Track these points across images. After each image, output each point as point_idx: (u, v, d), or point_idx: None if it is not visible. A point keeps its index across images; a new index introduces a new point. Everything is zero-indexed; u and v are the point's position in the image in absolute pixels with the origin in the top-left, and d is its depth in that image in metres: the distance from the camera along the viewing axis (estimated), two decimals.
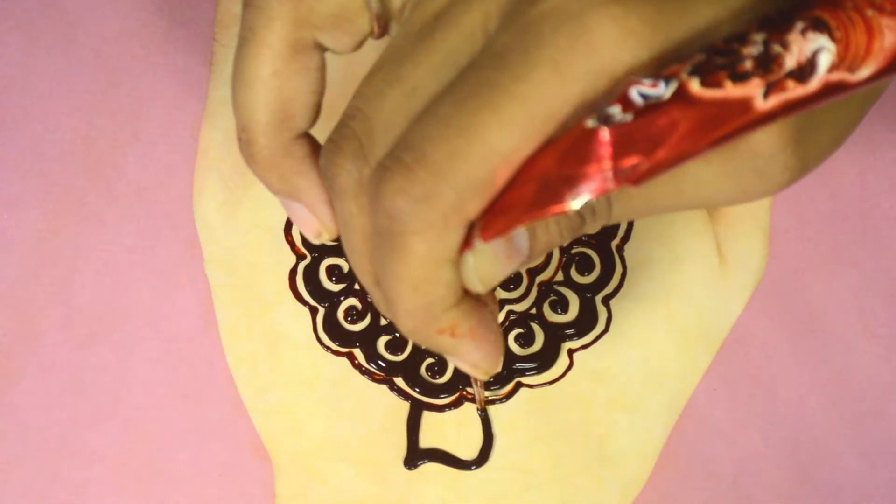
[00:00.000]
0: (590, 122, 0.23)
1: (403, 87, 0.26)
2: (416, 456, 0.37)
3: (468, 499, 0.36)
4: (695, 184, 0.26)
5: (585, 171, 0.23)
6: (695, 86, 0.22)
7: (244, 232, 0.39)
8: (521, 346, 0.38)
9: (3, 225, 0.40)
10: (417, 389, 0.37)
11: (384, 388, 0.37)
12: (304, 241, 0.39)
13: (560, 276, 0.39)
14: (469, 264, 0.26)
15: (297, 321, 0.38)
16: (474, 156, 0.24)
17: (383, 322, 0.38)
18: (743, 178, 0.25)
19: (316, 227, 0.30)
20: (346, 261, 0.39)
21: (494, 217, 0.25)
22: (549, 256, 0.39)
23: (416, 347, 0.38)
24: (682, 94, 0.22)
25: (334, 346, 0.38)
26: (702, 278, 0.38)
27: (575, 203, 0.23)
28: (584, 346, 0.38)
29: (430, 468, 0.36)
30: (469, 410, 0.37)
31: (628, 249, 0.39)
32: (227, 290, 0.39)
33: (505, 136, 0.23)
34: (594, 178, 0.23)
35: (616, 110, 0.23)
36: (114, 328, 0.38)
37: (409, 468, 0.36)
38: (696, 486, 0.36)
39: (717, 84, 0.22)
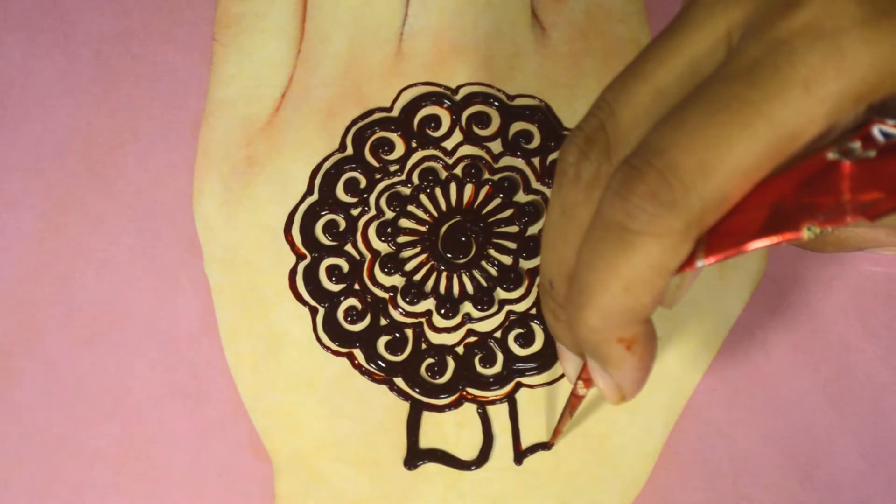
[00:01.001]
0: (831, 155, 0.23)
1: (648, 85, 0.26)
2: (416, 456, 0.37)
3: (468, 499, 0.36)
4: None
5: (824, 201, 0.23)
6: None
7: (244, 232, 0.39)
8: (521, 346, 0.38)
9: (3, 225, 0.40)
10: (417, 389, 0.37)
11: (384, 388, 0.37)
12: (305, 241, 0.39)
13: None
14: (675, 282, 0.26)
15: (297, 321, 0.38)
16: (722, 170, 0.24)
17: (383, 322, 0.38)
18: None
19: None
20: (345, 261, 0.39)
21: (723, 238, 0.25)
22: None
23: (415, 348, 0.38)
24: None
25: (334, 346, 0.38)
26: (702, 278, 0.38)
27: (809, 232, 0.23)
28: None
29: (430, 468, 0.36)
30: (469, 411, 0.37)
31: None
32: (227, 290, 0.39)
33: (751, 153, 0.24)
34: (833, 209, 0.23)
35: (857, 145, 0.23)
36: (114, 328, 0.38)
37: (409, 468, 0.36)
38: (696, 486, 0.36)
39: None
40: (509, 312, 0.38)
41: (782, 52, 0.24)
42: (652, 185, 0.25)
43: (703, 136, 0.24)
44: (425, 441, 0.37)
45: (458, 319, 0.38)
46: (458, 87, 0.41)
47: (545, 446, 0.36)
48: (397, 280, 0.39)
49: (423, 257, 0.39)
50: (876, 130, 0.23)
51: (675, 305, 0.27)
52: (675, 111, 0.25)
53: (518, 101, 0.41)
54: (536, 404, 0.37)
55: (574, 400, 0.34)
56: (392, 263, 0.39)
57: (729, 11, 0.25)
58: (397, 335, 0.38)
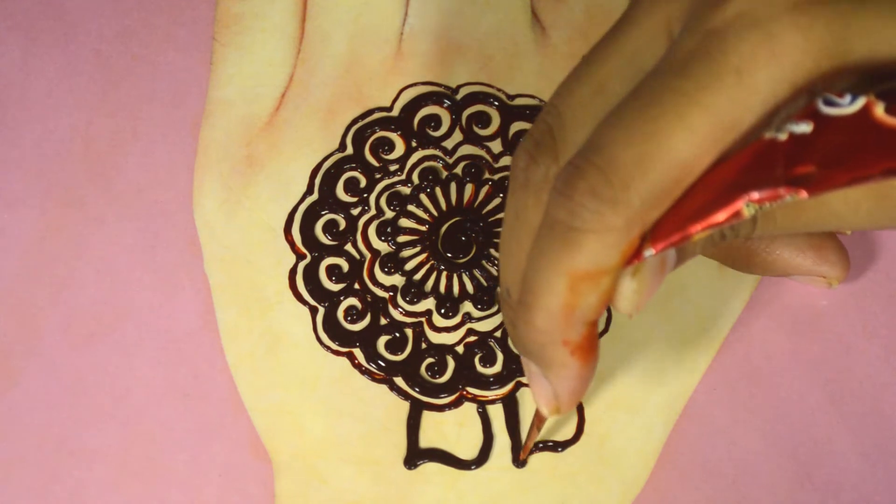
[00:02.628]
0: (768, 134, 0.23)
1: (591, 86, 0.26)
2: (416, 456, 0.37)
3: (468, 499, 0.36)
4: (845, 205, 0.26)
5: (758, 177, 0.23)
6: (879, 110, 0.22)
7: (244, 231, 0.39)
8: None
9: (3, 225, 0.40)
10: (417, 389, 0.37)
11: (384, 387, 0.37)
12: (305, 241, 0.39)
13: None
14: (627, 283, 0.26)
15: (297, 321, 0.38)
16: (659, 163, 0.24)
17: (383, 322, 0.38)
18: None
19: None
20: (345, 261, 0.39)
21: (667, 227, 0.25)
22: None
23: (416, 347, 0.38)
24: (865, 115, 0.22)
25: (334, 346, 0.38)
26: (701, 278, 0.38)
27: (748, 209, 0.23)
28: None
29: (430, 468, 0.36)
30: (469, 410, 0.37)
31: None
32: (227, 289, 0.39)
33: (689, 144, 0.24)
34: (766, 183, 0.23)
35: (795, 123, 0.23)
36: (114, 328, 0.38)
37: (409, 468, 0.36)
38: (696, 486, 0.36)
39: None
40: None
41: (715, 41, 0.24)
42: (592, 182, 0.25)
43: (639, 129, 0.24)
44: (425, 440, 0.37)
45: (458, 319, 0.38)
46: (458, 87, 0.41)
47: (519, 462, 0.36)
48: (397, 280, 0.39)
49: (423, 257, 0.39)
50: (820, 102, 0.23)
51: (637, 312, 0.27)
52: (615, 109, 0.25)
53: (518, 101, 0.41)
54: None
55: (537, 419, 0.34)
56: (392, 263, 0.39)
57: (668, 6, 0.25)
58: (397, 335, 0.38)
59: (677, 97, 0.24)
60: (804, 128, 0.23)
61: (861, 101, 0.22)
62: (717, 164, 0.24)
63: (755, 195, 0.23)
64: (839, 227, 0.27)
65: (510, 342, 0.31)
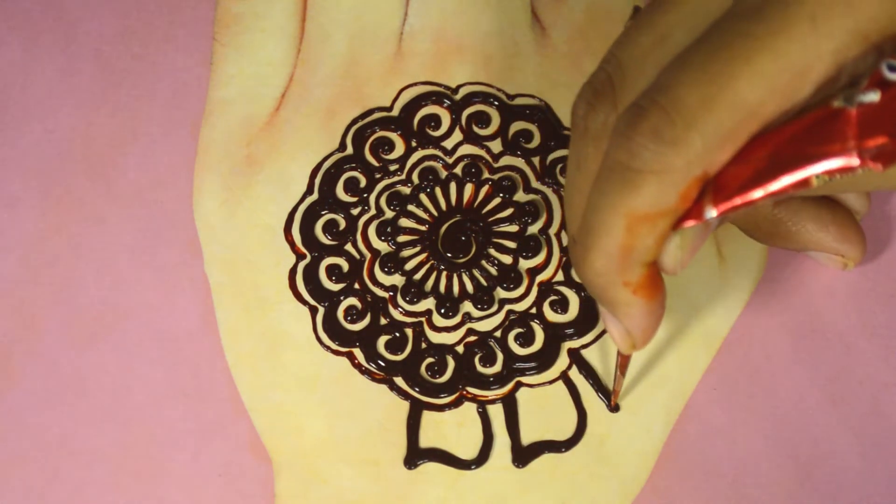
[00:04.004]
0: (836, 103, 0.23)
1: (653, 35, 0.27)
2: (415, 455, 0.37)
3: (468, 499, 0.36)
4: None
5: (831, 149, 0.23)
6: None
7: (244, 231, 0.39)
8: (521, 345, 0.38)
9: (3, 225, 0.40)
10: (417, 389, 0.37)
11: (384, 387, 0.37)
12: (305, 241, 0.39)
13: (560, 276, 0.39)
14: (675, 241, 0.26)
15: (297, 321, 0.38)
16: (724, 106, 0.24)
17: (383, 322, 0.38)
18: None
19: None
20: (345, 261, 0.39)
21: (729, 189, 0.25)
22: (550, 256, 0.39)
23: (415, 347, 0.38)
24: None
25: (334, 346, 0.38)
26: (701, 278, 0.38)
27: (818, 180, 0.23)
28: (584, 346, 0.38)
29: (429, 468, 0.36)
30: (469, 410, 0.37)
31: None
32: (227, 289, 0.39)
33: (756, 88, 0.24)
34: (838, 157, 0.23)
35: (863, 92, 0.23)
36: (114, 328, 0.38)
37: (409, 468, 0.36)
38: (696, 486, 0.36)
39: None
40: (509, 312, 0.38)
41: None
42: (655, 123, 0.25)
43: (706, 71, 0.24)
44: (425, 440, 0.37)
45: (458, 319, 0.38)
46: (458, 87, 0.41)
47: (613, 407, 0.37)
48: (397, 279, 0.39)
49: (422, 257, 0.39)
50: (885, 68, 0.23)
51: (681, 269, 0.27)
52: (681, 53, 0.25)
53: (518, 101, 0.41)
54: (536, 404, 0.37)
55: (622, 359, 0.34)
56: (392, 263, 0.39)
57: None
58: (397, 334, 0.38)
59: (748, 41, 0.24)
60: (872, 97, 0.23)
61: None
62: (782, 125, 0.24)
63: (827, 166, 0.23)
64: (881, 187, 0.27)
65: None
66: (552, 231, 0.39)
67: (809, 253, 0.36)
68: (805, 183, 0.24)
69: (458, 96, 0.41)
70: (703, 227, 0.27)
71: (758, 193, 0.24)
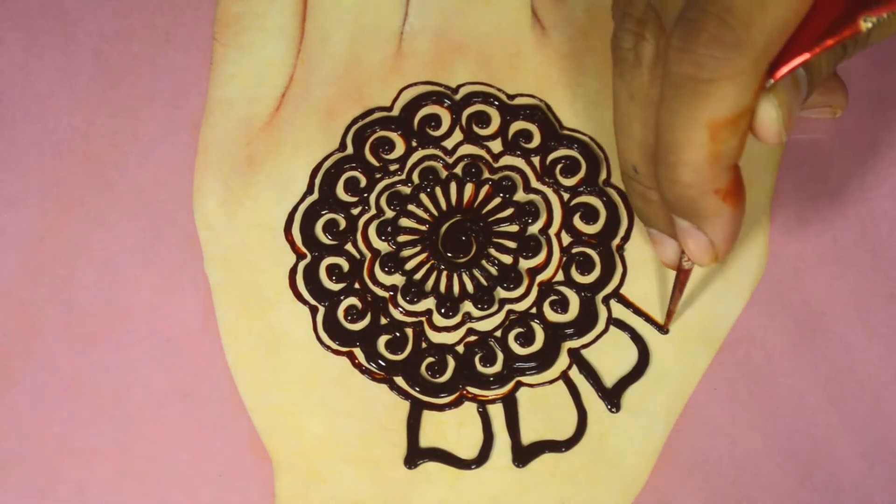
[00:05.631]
0: None
1: None
2: (416, 455, 0.37)
3: (468, 498, 0.36)
4: None
5: None
6: None
7: (244, 231, 0.39)
8: (521, 345, 0.38)
9: (3, 225, 0.40)
10: (417, 389, 0.37)
11: (384, 387, 0.37)
12: (305, 241, 0.39)
13: (560, 276, 0.39)
14: (771, 102, 0.27)
15: (297, 320, 0.38)
16: None
17: (383, 321, 0.38)
18: None
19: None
20: (345, 261, 0.39)
21: (785, 53, 0.26)
22: (550, 255, 0.39)
23: (416, 347, 0.38)
24: None
25: (334, 346, 0.38)
26: (702, 278, 0.38)
27: (865, 23, 0.25)
28: (584, 346, 0.38)
29: (430, 467, 0.36)
30: (469, 410, 0.37)
31: (628, 249, 0.39)
32: (227, 289, 0.39)
33: None
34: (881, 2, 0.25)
35: None
36: (114, 328, 0.38)
37: (409, 467, 0.36)
38: (696, 486, 0.36)
39: None
40: (509, 312, 0.38)
41: None
42: (713, 31, 0.26)
43: None
44: (425, 440, 0.37)
45: (458, 318, 0.38)
46: (459, 87, 0.41)
47: (663, 330, 0.37)
48: (397, 279, 0.39)
49: (423, 256, 0.39)
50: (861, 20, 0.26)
51: (786, 137, 0.28)
52: None
53: (518, 101, 0.41)
54: (536, 404, 0.37)
55: (682, 276, 0.35)
56: (392, 262, 0.39)
57: None
58: (397, 334, 0.38)
59: None
60: None
61: None
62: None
63: (874, 6, 0.25)
64: None
65: (637, 218, 0.33)
66: (552, 231, 0.39)
67: (800, 112, 0.38)
68: (856, 28, 0.26)
69: (458, 96, 0.41)
70: (794, 90, 0.28)
71: (816, 48, 0.26)
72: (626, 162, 0.31)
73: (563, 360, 0.38)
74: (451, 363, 0.38)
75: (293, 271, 0.39)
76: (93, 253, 0.39)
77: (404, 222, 0.39)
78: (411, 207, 0.40)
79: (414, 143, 0.41)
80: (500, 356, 0.38)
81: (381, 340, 0.38)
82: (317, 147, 0.41)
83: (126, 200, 0.40)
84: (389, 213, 0.40)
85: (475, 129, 0.41)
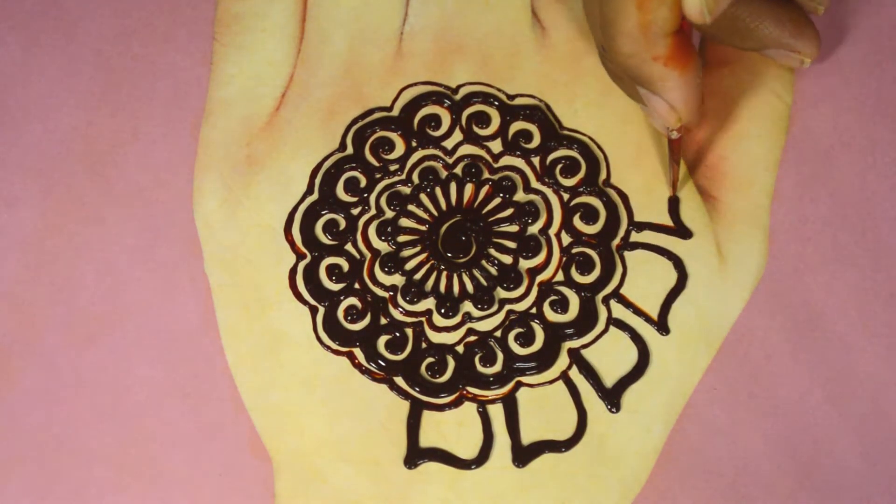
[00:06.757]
0: None
1: None
2: (416, 455, 0.37)
3: (468, 498, 0.36)
4: None
5: None
6: None
7: (244, 231, 0.39)
8: (521, 345, 0.38)
9: (3, 225, 0.40)
10: (417, 389, 0.37)
11: (384, 387, 0.37)
12: (305, 240, 0.39)
13: (560, 276, 0.39)
14: None
15: (297, 320, 0.38)
16: None
17: (383, 321, 0.38)
18: None
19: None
20: (345, 261, 0.39)
21: None
22: (550, 256, 0.39)
23: (416, 347, 0.38)
24: None
25: (334, 346, 0.38)
26: (702, 278, 0.38)
27: None
28: (584, 346, 0.38)
29: (430, 467, 0.36)
30: (469, 410, 0.37)
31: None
32: (227, 289, 0.39)
33: None
34: None
35: None
36: (114, 328, 0.38)
37: (409, 467, 0.36)
38: (696, 486, 0.36)
39: None
40: (509, 312, 0.38)
41: None
42: None
43: None
44: (425, 440, 0.37)
45: (458, 319, 0.38)
46: (459, 87, 0.41)
47: (672, 198, 0.39)
48: (397, 279, 0.39)
49: (423, 256, 0.39)
50: None
51: (711, 18, 0.30)
52: None
53: (518, 101, 0.41)
54: (536, 404, 0.37)
55: (673, 144, 0.37)
56: (392, 263, 0.39)
57: None
58: (397, 334, 0.38)
59: None
60: None
61: None
62: None
63: None
64: None
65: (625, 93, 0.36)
66: (552, 231, 0.39)
67: (768, 52, 0.38)
68: None
69: (458, 96, 0.41)
70: None
71: None
72: (596, 43, 0.34)
73: (562, 360, 0.38)
74: (451, 363, 0.38)
75: (293, 271, 0.39)
76: (93, 253, 0.39)
77: (404, 222, 0.39)
78: (411, 207, 0.40)
79: (414, 144, 0.41)
80: (500, 356, 0.38)
81: (381, 340, 0.38)
82: (317, 147, 0.41)
83: (126, 200, 0.40)
84: (389, 214, 0.40)
85: (475, 129, 0.41)
